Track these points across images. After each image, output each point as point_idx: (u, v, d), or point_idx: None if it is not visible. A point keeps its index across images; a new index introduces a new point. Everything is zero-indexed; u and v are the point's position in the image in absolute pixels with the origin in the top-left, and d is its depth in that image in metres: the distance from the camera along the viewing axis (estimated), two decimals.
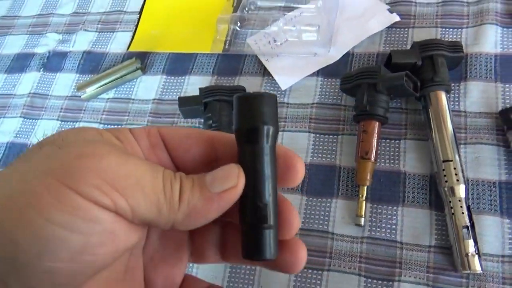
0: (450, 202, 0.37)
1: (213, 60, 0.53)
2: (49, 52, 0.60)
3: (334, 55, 0.48)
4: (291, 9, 0.52)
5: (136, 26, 0.58)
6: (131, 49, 0.57)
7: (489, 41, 0.44)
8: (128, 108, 0.53)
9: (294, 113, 0.47)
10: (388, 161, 0.42)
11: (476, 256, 0.35)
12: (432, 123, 0.40)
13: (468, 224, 0.36)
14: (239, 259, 0.20)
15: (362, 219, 0.40)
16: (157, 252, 0.20)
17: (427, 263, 0.37)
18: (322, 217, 0.42)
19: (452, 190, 0.37)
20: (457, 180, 0.37)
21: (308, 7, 0.51)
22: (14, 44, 0.63)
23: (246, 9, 0.53)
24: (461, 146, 0.41)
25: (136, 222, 0.16)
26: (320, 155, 0.44)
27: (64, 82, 0.57)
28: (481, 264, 0.35)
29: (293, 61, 0.49)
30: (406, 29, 0.48)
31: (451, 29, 0.47)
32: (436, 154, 0.39)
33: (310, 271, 0.40)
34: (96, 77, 0.55)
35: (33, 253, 0.14)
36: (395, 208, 0.40)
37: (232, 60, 0.52)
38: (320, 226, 0.41)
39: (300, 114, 0.47)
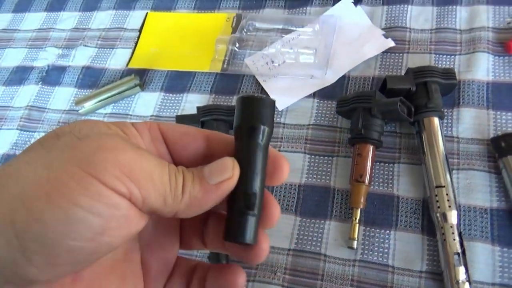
0: (442, 228, 0.38)
1: (211, 79, 0.54)
2: (48, 66, 0.61)
3: (330, 77, 0.49)
4: (288, 31, 0.53)
5: (136, 43, 0.59)
6: (130, 66, 0.57)
7: (482, 68, 0.45)
8: None
9: (290, 133, 0.47)
10: (382, 184, 0.43)
11: (467, 283, 0.35)
12: (425, 148, 0.41)
13: (460, 251, 0.36)
14: (219, 246, 0.23)
15: (355, 242, 0.40)
16: (152, 238, 0.22)
17: None
18: (315, 239, 0.42)
19: (444, 216, 0.38)
20: (449, 206, 0.38)
21: (306, 30, 0.52)
22: (14, 57, 0.63)
23: (245, 30, 0.54)
24: (454, 171, 0.42)
25: (144, 210, 0.18)
26: (314, 176, 0.45)
27: (62, 96, 0.58)
28: None
29: (290, 83, 0.50)
30: (401, 54, 0.49)
31: (445, 56, 0.48)
32: (429, 179, 0.40)
33: None
34: (95, 92, 0.55)
35: (60, 232, 0.16)
36: (387, 232, 0.41)
37: (230, 80, 0.53)
38: (313, 248, 0.41)
39: (296, 135, 0.47)
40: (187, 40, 0.57)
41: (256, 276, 0.41)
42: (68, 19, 0.65)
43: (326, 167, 0.45)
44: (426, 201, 0.40)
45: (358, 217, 0.40)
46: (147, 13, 0.62)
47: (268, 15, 0.56)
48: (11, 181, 0.16)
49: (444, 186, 0.39)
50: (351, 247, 0.40)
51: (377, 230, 0.41)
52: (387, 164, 0.43)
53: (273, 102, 0.21)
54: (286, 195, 0.44)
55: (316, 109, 0.48)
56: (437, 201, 0.38)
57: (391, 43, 0.49)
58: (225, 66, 0.53)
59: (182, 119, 0.46)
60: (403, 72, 0.47)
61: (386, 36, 0.50)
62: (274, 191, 0.45)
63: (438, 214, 0.38)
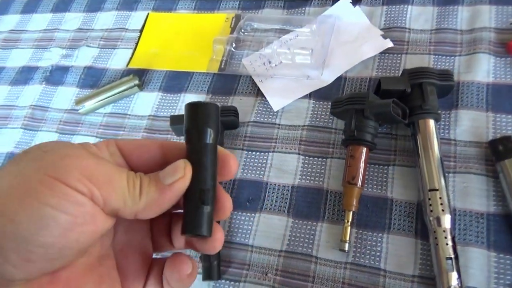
0: (435, 232, 0.37)
1: (209, 79, 0.54)
2: (52, 66, 0.62)
3: (326, 78, 0.48)
4: (286, 32, 0.53)
5: (137, 43, 0.60)
6: (131, 66, 0.58)
7: (482, 69, 0.44)
8: (124, 124, 0.54)
9: (284, 134, 0.47)
10: (375, 187, 0.42)
11: None
12: (420, 151, 0.40)
13: (452, 256, 0.36)
14: (182, 244, 0.25)
15: (347, 245, 0.39)
16: (125, 244, 0.24)
17: None
18: (307, 240, 0.41)
19: (437, 220, 0.37)
20: (443, 210, 0.37)
21: (303, 31, 0.51)
22: (20, 57, 0.65)
23: (242, 30, 0.54)
24: (450, 175, 0.41)
25: (107, 211, 0.20)
26: (308, 177, 0.44)
27: (64, 96, 0.59)
28: None
29: (286, 83, 0.50)
30: (399, 55, 0.48)
31: (444, 57, 0.47)
32: (422, 182, 0.39)
33: None
34: (95, 92, 0.56)
35: (32, 230, 0.18)
36: (380, 235, 0.40)
37: (227, 80, 0.53)
38: (304, 249, 0.41)
39: (290, 136, 0.47)
40: (187, 41, 0.58)
41: (247, 277, 0.41)
42: (72, 20, 0.66)
43: (320, 168, 0.44)
44: (420, 205, 0.40)
45: (350, 220, 0.40)
46: (148, 13, 0.63)
47: (266, 15, 0.55)
48: None
49: (437, 190, 0.38)
50: (342, 250, 0.39)
51: (370, 233, 0.40)
52: (381, 167, 0.43)
53: (217, 107, 0.23)
54: (279, 196, 0.44)
55: (312, 110, 0.48)
56: (430, 204, 0.38)
57: (389, 44, 0.48)
58: (222, 66, 0.53)
59: (176, 119, 0.46)
60: (399, 74, 0.46)
61: (384, 37, 0.49)
62: (267, 192, 0.44)
63: (431, 218, 0.37)
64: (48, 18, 0.68)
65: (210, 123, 0.22)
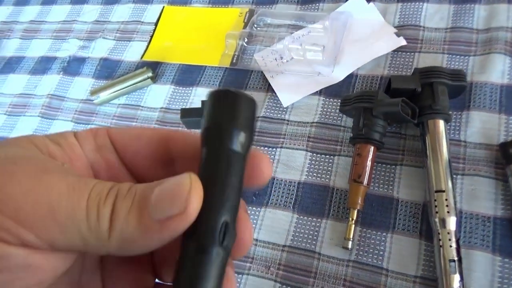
0: (439, 233, 0.37)
1: (221, 73, 0.54)
2: (69, 56, 0.63)
3: (337, 75, 0.48)
4: (299, 27, 0.53)
5: (151, 36, 0.61)
6: (145, 58, 0.59)
7: (496, 70, 0.43)
8: (137, 115, 0.55)
9: (293, 130, 0.47)
10: (382, 186, 0.42)
11: None
12: (428, 151, 0.40)
13: (456, 258, 0.35)
14: None
15: (350, 243, 0.40)
16: (115, 270, 0.19)
17: None
18: (310, 237, 0.42)
19: (442, 221, 0.37)
20: (448, 212, 0.37)
21: (316, 27, 0.51)
22: (39, 47, 0.67)
23: (255, 25, 0.54)
24: (458, 176, 0.40)
25: (60, 250, 0.14)
26: (315, 174, 0.44)
27: (80, 86, 0.60)
28: None
29: (297, 79, 0.50)
30: (412, 53, 0.48)
31: (458, 56, 0.46)
32: (429, 183, 0.39)
33: None
34: (109, 83, 0.57)
35: None
36: (384, 234, 0.40)
37: (238, 75, 0.53)
38: (308, 245, 0.41)
39: (299, 132, 0.47)
40: (200, 34, 0.58)
41: (250, 270, 0.42)
42: (90, 12, 0.68)
43: (327, 165, 0.44)
44: (426, 206, 0.39)
45: (354, 218, 0.40)
46: (164, 7, 0.63)
47: (280, 11, 0.55)
48: None
49: (444, 191, 0.37)
50: (345, 247, 0.40)
51: (374, 232, 0.40)
52: (388, 166, 0.43)
53: (253, 102, 0.17)
54: (285, 192, 0.44)
55: (321, 107, 0.48)
56: (436, 206, 0.37)
57: (403, 42, 0.48)
58: (234, 61, 0.54)
59: (186, 112, 0.47)
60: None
61: (398, 34, 0.49)
62: (273, 187, 0.45)
63: (436, 219, 0.37)
64: (67, 10, 0.70)
65: (242, 123, 0.16)
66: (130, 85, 0.56)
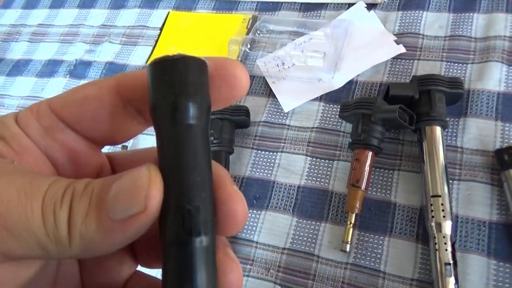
0: (435, 237, 0.38)
1: None
2: (76, 60, 0.65)
3: (338, 82, 0.49)
4: (301, 34, 0.54)
5: (156, 41, 0.62)
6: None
7: (493, 78, 0.44)
8: None
9: (293, 135, 0.48)
10: (379, 190, 0.43)
11: None
12: (425, 157, 0.41)
13: (451, 262, 0.36)
14: None
15: (348, 246, 0.40)
16: (92, 260, 0.17)
17: None
18: (309, 240, 0.43)
19: (438, 225, 0.38)
20: (444, 216, 0.38)
21: (317, 34, 0.52)
22: (47, 51, 0.68)
23: (258, 32, 0.55)
24: (455, 182, 0.41)
25: (18, 259, 0.13)
26: (314, 178, 0.45)
27: None
28: None
29: (298, 85, 0.51)
30: (411, 61, 0.49)
31: (456, 64, 0.47)
32: (426, 188, 0.40)
33: None
34: None
35: None
36: (381, 237, 0.41)
37: None
38: (307, 248, 0.42)
39: (299, 137, 0.48)
40: (204, 40, 0.59)
41: (250, 272, 0.43)
42: (97, 16, 0.69)
43: (326, 170, 0.45)
44: (423, 210, 0.40)
45: (352, 221, 0.41)
46: (169, 12, 0.65)
47: (282, 17, 0.57)
48: None
49: (440, 196, 0.38)
50: (344, 250, 0.40)
51: (371, 235, 0.41)
52: (386, 171, 0.44)
53: (202, 63, 0.14)
54: (285, 196, 0.45)
55: (322, 113, 0.49)
56: (432, 210, 0.38)
57: (402, 49, 0.49)
58: None
59: None
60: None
61: (397, 42, 0.50)
62: (274, 191, 0.46)
63: (432, 224, 0.38)
64: (74, 14, 0.71)
65: (190, 92, 0.14)
66: None
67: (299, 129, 0.49)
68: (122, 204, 0.12)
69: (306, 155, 0.47)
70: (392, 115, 0.39)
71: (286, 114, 0.50)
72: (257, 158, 0.48)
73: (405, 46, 0.49)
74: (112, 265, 0.17)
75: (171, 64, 0.14)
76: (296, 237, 0.43)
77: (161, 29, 0.63)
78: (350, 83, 0.49)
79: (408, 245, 0.40)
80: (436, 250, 0.37)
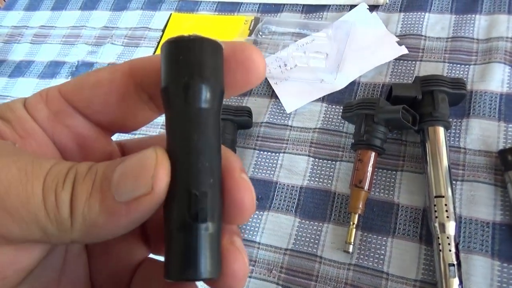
0: (439, 238, 0.37)
1: None
2: (78, 61, 0.65)
3: (340, 83, 0.49)
4: (303, 35, 0.54)
5: (158, 43, 0.62)
6: None
7: (496, 79, 0.44)
8: None
9: (296, 136, 0.48)
10: (382, 191, 0.43)
11: None
12: (428, 158, 0.40)
13: (455, 263, 0.36)
14: None
15: (351, 246, 0.40)
16: (102, 246, 0.17)
17: None
18: (312, 240, 0.42)
19: (442, 226, 0.38)
20: (447, 217, 0.37)
21: (320, 35, 0.52)
22: (49, 52, 0.68)
23: (260, 33, 0.55)
24: (458, 182, 0.41)
25: (18, 242, 0.13)
26: (317, 179, 0.45)
27: None
28: None
29: (301, 86, 0.51)
30: (414, 62, 0.49)
31: (458, 65, 0.47)
32: (429, 188, 0.39)
33: None
34: None
35: None
36: (385, 238, 0.41)
37: None
38: (310, 249, 0.42)
39: (302, 138, 0.48)
40: None
41: (253, 273, 0.42)
42: (99, 18, 0.69)
43: (329, 171, 0.45)
44: (426, 211, 0.40)
45: (355, 222, 0.41)
46: (171, 14, 0.65)
47: (284, 19, 0.57)
48: None
49: (443, 197, 0.38)
50: (346, 251, 0.40)
51: (374, 236, 0.41)
52: (389, 172, 0.43)
53: (218, 45, 0.14)
54: (287, 196, 0.45)
55: (324, 113, 0.49)
56: (436, 211, 0.38)
57: (404, 51, 0.49)
58: None
59: None
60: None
61: (400, 43, 0.50)
62: (276, 191, 0.46)
63: (436, 224, 0.38)
64: (77, 16, 0.71)
65: (204, 74, 0.13)
66: None
67: (302, 130, 0.49)
68: (127, 185, 0.12)
69: (309, 156, 0.47)
70: (395, 116, 0.39)
71: (288, 115, 0.50)
72: (260, 159, 0.48)
73: (407, 48, 0.49)
74: (122, 253, 0.17)
75: (187, 43, 0.13)
76: (299, 238, 0.43)
77: (163, 31, 0.63)
78: (353, 84, 0.49)
79: (412, 246, 0.40)
80: (440, 251, 0.37)
